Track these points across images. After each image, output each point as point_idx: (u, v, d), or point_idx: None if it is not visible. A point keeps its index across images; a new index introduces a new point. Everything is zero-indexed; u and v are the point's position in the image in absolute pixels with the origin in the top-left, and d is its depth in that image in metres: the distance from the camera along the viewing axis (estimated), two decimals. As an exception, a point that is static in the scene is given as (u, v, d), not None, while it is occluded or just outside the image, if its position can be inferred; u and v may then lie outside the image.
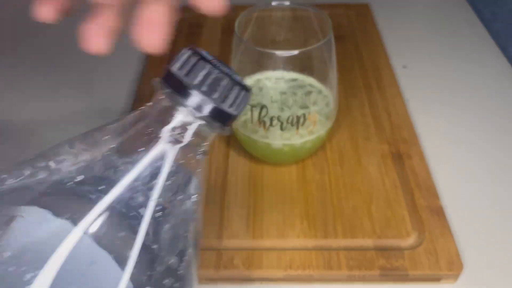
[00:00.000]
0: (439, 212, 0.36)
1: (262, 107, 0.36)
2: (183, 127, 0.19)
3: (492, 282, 0.33)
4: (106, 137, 0.20)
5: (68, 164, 0.19)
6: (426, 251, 0.34)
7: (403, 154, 0.41)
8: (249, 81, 0.38)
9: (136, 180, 0.18)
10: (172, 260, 0.19)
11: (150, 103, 0.20)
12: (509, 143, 0.44)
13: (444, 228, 0.35)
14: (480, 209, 0.38)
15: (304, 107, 0.37)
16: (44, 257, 0.16)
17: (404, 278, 0.33)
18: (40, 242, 0.17)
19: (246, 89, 0.20)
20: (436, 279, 0.33)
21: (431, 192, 0.38)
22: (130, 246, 0.18)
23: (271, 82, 0.38)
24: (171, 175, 0.19)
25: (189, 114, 0.19)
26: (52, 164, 0.19)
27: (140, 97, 0.47)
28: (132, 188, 0.18)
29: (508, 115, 0.47)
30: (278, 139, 0.37)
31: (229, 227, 0.35)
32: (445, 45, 0.56)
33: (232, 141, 0.42)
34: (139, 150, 0.19)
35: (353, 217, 0.36)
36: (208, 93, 0.19)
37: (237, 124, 0.38)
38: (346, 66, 0.50)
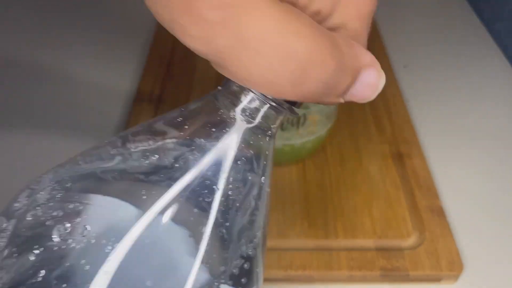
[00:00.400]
0: (439, 212, 0.36)
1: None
2: (253, 109, 0.19)
3: (493, 282, 0.33)
4: (175, 122, 0.20)
5: (140, 151, 0.19)
6: (427, 251, 0.34)
7: (404, 154, 0.41)
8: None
9: (209, 163, 0.18)
10: (246, 244, 0.20)
11: (220, 87, 0.20)
12: (509, 143, 0.44)
13: (444, 228, 0.35)
14: (480, 209, 0.38)
15: (305, 107, 0.37)
16: (116, 240, 0.16)
17: (405, 278, 0.33)
18: (113, 229, 0.17)
19: None
20: (437, 279, 0.33)
21: (432, 192, 0.38)
22: (203, 226, 0.18)
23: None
24: (241, 156, 0.19)
25: (259, 96, 0.19)
26: (122, 151, 0.19)
27: (140, 96, 0.46)
28: (205, 171, 0.18)
29: (508, 115, 0.47)
30: (279, 139, 0.37)
31: (229, 227, 0.35)
32: (445, 45, 0.56)
33: (232, 141, 0.42)
34: (211, 133, 0.19)
35: (354, 217, 0.36)
36: None
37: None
38: (347, 66, 0.50)
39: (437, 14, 0.62)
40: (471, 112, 0.47)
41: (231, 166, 0.19)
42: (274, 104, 0.19)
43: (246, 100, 0.19)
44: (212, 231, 0.18)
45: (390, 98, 0.47)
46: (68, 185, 0.18)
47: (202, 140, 0.19)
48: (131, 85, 0.49)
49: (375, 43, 0.54)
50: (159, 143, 0.19)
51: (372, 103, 0.46)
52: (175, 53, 0.52)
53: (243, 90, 0.19)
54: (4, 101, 0.47)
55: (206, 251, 0.17)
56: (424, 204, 0.37)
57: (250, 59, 0.15)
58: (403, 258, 0.33)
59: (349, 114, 0.45)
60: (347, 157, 0.41)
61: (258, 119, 0.19)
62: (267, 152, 0.20)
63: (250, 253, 0.20)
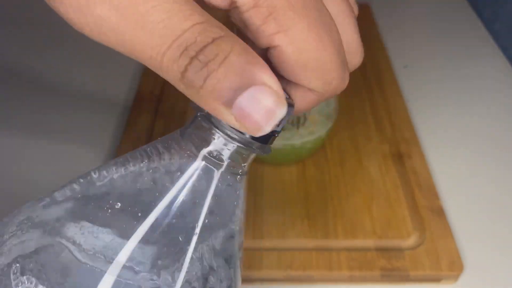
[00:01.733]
0: (439, 212, 0.36)
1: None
2: (221, 149, 0.18)
3: (493, 282, 0.33)
4: (142, 162, 0.19)
5: (104, 191, 0.18)
6: (427, 251, 0.34)
7: (404, 154, 0.41)
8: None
9: (173, 204, 0.17)
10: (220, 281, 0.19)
11: (188, 124, 0.19)
12: (509, 143, 0.44)
13: (444, 228, 0.35)
14: (480, 209, 0.38)
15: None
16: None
17: (405, 279, 0.33)
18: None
19: (289, 103, 0.17)
20: (437, 279, 0.33)
21: (432, 192, 0.38)
22: (177, 270, 0.17)
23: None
24: (210, 197, 0.18)
25: (226, 137, 0.17)
26: (85, 192, 0.18)
27: (140, 97, 0.46)
28: (171, 212, 0.17)
29: (508, 115, 0.47)
30: (279, 139, 0.37)
31: (229, 227, 0.35)
32: (445, 45, 0.56)
33: (232, 141, 0.42)
34: (176, 173, 0.18)
35: (354, 217, 0.36)
36: None
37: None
38: (347, 66, 0.50)
39: (437, 15, 0.62)
40: (471, 112, 0.47)
41: (199, 210, 0.18)
42: (241, 144, 0.17)
43: (213, 141, 0.18)
44: (180, 276, 0.17)
45: (390, 98, 0.47)
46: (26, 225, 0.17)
47: (168, 183, 0.18)
48: (131, 85, 0.49)
49: (375, 43, 0.54)
50: (121, 184, 0.18)
51: (372, 103, 0.46)
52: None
53: (210, 129, 0.17)
54: (5, 102, 0.47)
55: None
56: (424, 204, 0.37)
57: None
58: (403, 258, 0.33)
59: (349, 114, 0.45)
60: (347, 157, 0.41)
61: (226, 159, 0.18)
62: (237, 192, 0.19)
63: None
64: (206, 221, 0.18)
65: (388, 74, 0.50)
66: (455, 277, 0.33)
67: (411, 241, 0.34)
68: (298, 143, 0.37)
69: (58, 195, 0.18)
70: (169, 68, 0.15)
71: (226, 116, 0.15)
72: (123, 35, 0.15)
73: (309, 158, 0.40)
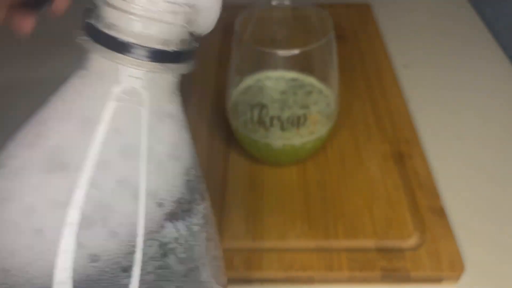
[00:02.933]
0: (440, 213, 0.36)
1: (262, 106, 0.35)
2: (133, 82, 0.15)
3: (494, 282, 0.33)
4: (56, 113, 0.17)
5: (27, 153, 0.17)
6: (428, 252, 0.33)
7: (405, 154, 0.41)
8: (249, 80, 0.38)
9: (103, 158, 0.15)
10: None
11: (85, 65, 0.16)
12: (510, 143, 0.44)
13: (445, 229, 0.35)
14: (481, 210, 0.38)
15: (305, 107, 0.37)
16: None
17: (406, 279, 0.33)
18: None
19: None
20: (438, 280, 0.33)
21: (433, 192, 0.38)
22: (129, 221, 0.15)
23: (271, 82, 0.38)
24: (144, 139, 0.15)
25: (132, 65, 0.15)
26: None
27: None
28: (104, 163, 0.15)
29: (509, 114, 0.47)
30: (279, 139, 0.36)
31: (228, 228, 0.35)
32: (446, 44, 0.56)
33: (232, 142, 0.42)
34: (96, 124, 0.15)
35: (354, 218, 0.36)
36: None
37: (237, 124, 0.38)
38: (347, 66, 0.50)
39: (438, 14, 0.62)
40: (472, 112, 0.47)
41: (135, 160, 0.15)
42: (152, 67, 0.15)
43: (120, 74, 0.15)
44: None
45: (391, 98, 0.47)
46: None
47: (89, 136, 0.15)
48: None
49: (376, 43, 0.54)
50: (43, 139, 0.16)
51: (373, 103, 0.46)
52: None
53: (111, 61, 0.15)
54: (5, 100, 0.47)
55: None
56: (425, 205, 0.37)
57: None
58: (404, 259, 0.33)
59: (349, 114, 0.45)
60: (348, 158, 0.41)
61: (144, 91, 0.15)
62: (174, 120, 0.17)
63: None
64: (148, 167, 0.16)
65: (389, 74, 0.50)
66: (456, 278, 0.33)
67: (411, 241, 0.34)
68: (298, 143, 0.37)
69: None
70: None
71: None
72: None
73: (310, 159, 0.40)
